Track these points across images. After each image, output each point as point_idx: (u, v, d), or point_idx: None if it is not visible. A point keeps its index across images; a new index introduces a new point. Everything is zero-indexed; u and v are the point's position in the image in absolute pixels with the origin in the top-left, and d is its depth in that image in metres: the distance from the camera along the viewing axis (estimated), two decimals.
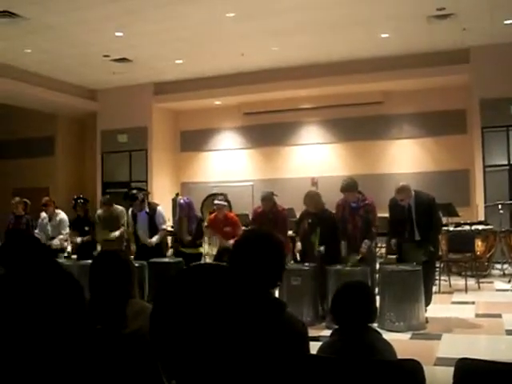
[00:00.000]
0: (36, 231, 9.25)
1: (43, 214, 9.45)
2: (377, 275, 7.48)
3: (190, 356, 1.01)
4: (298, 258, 8.05)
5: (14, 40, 10.98)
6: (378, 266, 7.78)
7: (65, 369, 1.65)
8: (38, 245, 3.52)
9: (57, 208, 9.53)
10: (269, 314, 1.08)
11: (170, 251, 9.60)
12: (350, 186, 7.47)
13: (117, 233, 8.87)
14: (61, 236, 9.19)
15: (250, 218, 8.94)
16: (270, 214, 8.07)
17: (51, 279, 1.79)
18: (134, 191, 8.90)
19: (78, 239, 9.06)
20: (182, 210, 8.55)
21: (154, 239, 8.52)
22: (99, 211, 9.23)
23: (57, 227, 9.28)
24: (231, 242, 7.68)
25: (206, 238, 8.76)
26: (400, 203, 7.18)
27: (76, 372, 1.68)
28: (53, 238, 9.19)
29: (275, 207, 8.24)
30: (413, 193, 7.21)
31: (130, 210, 8.78)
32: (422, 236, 7.12)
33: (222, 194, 9.10)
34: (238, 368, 1.01)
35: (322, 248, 7.52)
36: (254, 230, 5.80)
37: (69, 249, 9.28)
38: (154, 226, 8.60)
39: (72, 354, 1.68)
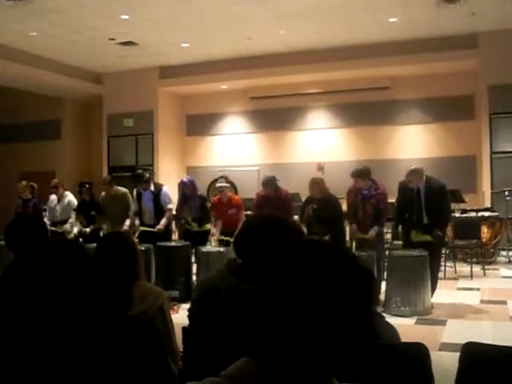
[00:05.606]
0: (45, 214, 9.36)
1: (52, 197, 9.58)
2: (385, 263, 7.48)
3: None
4: None
5: (19, 23, 10.91)
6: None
7: (76, 351, 1.65)
8: (43, 228, 3.54)
9: (66, 190, 9.65)
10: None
11: (176, 234, 9.69)
12: (360, 173, 7.41)
13: (127, 223, 8.87)
14: (70, 220, 9.28)
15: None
16: (273, 199, 8.08)
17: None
18: (140, 171, 9.38)
19: (87, 229, 9.14)
20: (185, 188, 8.62)
21: (162, 222, 8.57)
22: (103, 193, 9.28)
23: (66, 209, 9.42)
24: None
25: (212, 219, 8.82)
26: (409, 185, 7.15)
27: (82, 354, 1.68)
28: (62, 221, 9.30)
29: (279, 191, 8.24)
30: (424, 177, 7.17)
31: (135, 190, 8.87)
32: (430, 220, 7.08)
33: (222, 177, 9.15)
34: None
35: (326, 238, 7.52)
36: (265, 214, 5.79)
37: (75, 230, 9.32)
38: (158, 206, 8.67)
39: (87, 335, 1.68)
